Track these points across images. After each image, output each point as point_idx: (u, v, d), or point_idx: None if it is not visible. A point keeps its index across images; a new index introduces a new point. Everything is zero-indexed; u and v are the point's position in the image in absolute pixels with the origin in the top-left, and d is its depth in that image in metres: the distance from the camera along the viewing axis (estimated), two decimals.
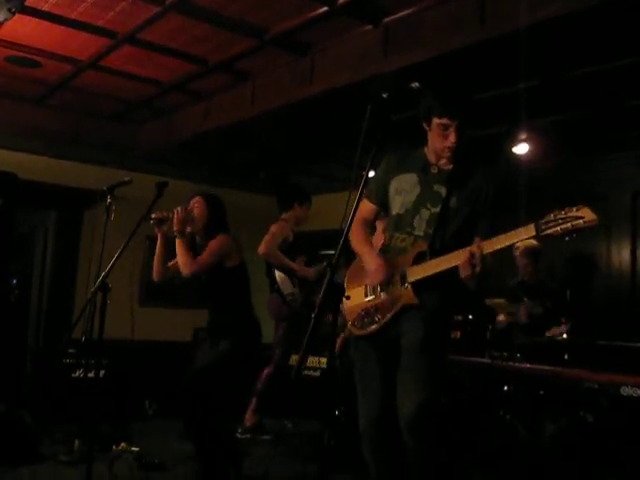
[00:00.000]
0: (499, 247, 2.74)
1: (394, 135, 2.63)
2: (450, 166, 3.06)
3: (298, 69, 5.32)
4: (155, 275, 4.25)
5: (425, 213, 3.03)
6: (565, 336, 4.79)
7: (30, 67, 5.78)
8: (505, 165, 6.25)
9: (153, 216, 4.05)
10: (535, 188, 5.58)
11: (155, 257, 4.23)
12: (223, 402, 4.18)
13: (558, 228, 2.58)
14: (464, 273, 2.77)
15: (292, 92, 5.42)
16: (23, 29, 4.98)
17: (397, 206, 3.11)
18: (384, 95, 2.64)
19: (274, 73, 5.57)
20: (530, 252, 5.43)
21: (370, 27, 4.69)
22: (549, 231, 2.60)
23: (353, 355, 3.21)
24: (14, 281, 7.38)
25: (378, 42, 4.64)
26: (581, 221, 2.53)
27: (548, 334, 5.08)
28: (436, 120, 2.96)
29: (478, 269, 2.74)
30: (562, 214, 2.58)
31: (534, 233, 2.65)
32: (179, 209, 4.11)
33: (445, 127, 2.94)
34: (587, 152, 6.30)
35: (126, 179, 4.34)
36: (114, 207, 4.44)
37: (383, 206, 3.23)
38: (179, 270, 4.09)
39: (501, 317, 5.38)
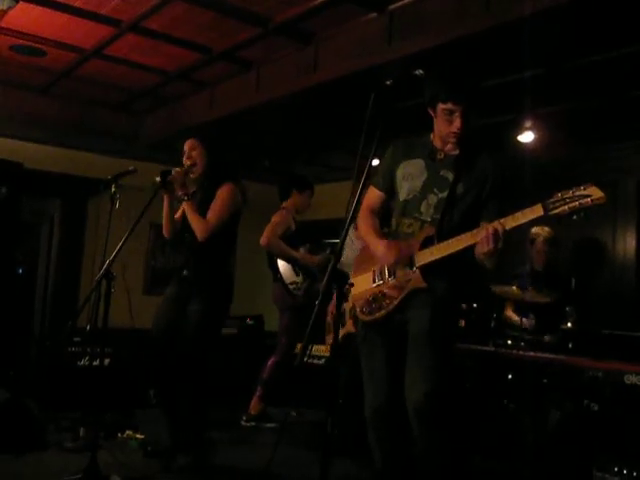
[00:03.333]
0: (519, 224, 2.71)
1: (398, 123, 2.62)
2: (456, 151, 3.04)
3: (302, 57, 5.31)
4: (166, 232, 4.26)
5: (432, 198, 3.01)
6: (570, 325, 4.78)
7: (35, 56, 5.78)
8: (511, 153, 6.23)
9: (157, 179, 4.02)
10: (540, 176, 5.54)
11: (164, 216, 4.21)
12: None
13: (566, 207, 2.56)
14: (485, 248, 2.73)
15: (296, 81, 5.40)
16: (27, 17, 4.98)
17: (404, 192, 3.10)
18: (387, 82, 2.63)
19: (278, 62, 5.56)
20: (553, 240, 5.35)
21: (374, 15, 4.67)
22: (557, 210, 2.58)
23: (359, 342, 3.20)
24: (19, 270, 7.40)
25: (382, 30, 4.61)
26: (589, 199, 2.52)
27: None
28: (441, 105, 2.94)
29: (501, 244, 2.72)
30: (569, 193, 2.57)
31: (542, 213, 2.62)
32: (178, 169, 4.09)
33: (450, 112, 2.93)
34: (592, 141, 6.26)
35: (131, 168, 4.36)
36: (118, 196, 4.46)
37: (390, 193, 3.21)
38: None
39: (509, 313, 5.36)
